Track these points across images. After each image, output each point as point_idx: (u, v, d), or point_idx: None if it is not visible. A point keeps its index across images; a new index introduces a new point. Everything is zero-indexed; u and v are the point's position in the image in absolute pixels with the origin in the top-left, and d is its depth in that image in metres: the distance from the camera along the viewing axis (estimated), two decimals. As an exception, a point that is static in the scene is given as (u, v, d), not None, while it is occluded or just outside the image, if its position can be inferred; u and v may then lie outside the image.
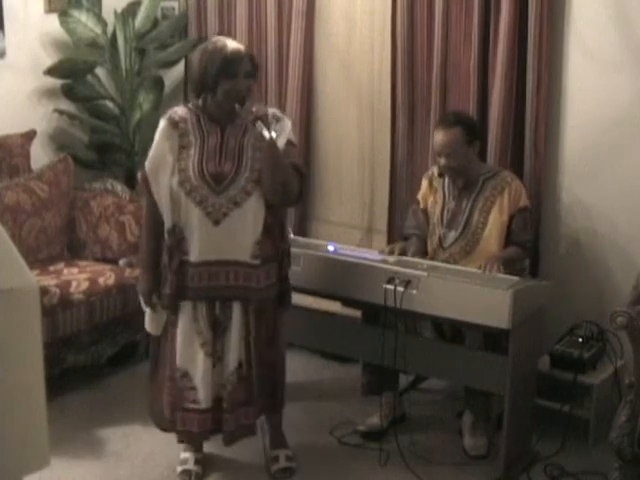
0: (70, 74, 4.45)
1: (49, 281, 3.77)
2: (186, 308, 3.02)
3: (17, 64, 4.34)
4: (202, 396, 3.03)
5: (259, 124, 2.88)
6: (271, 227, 3.01)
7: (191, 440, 3.21)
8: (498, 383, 3.13)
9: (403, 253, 3.44)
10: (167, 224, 2.98)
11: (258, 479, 3.25)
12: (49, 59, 4.42)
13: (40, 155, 4.39)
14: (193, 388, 3.04)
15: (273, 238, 3.03)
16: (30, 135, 4.27)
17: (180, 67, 4.74)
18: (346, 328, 3.48)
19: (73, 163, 4.30)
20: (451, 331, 3.39)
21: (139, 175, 3.09)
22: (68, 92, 4.49)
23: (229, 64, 2.90)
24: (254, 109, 2.93)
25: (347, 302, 3.43)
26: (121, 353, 4.05)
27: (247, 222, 2.95)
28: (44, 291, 3.59)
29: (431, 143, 3.90)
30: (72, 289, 3.76)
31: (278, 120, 3.03)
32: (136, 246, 4.05)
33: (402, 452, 3.26)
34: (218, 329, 3.02)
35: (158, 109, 4.59)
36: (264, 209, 2.97)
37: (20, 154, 4.18)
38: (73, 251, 4.21)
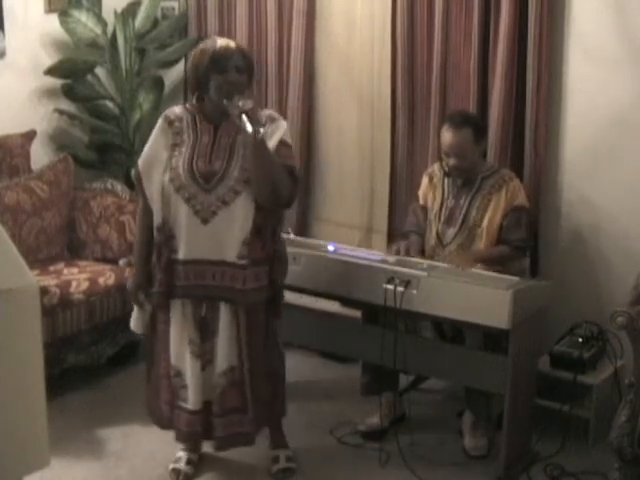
0: (70, 74, 4.45)
1: (49, 281, 3.76)
2: (177, 306, 3.02)
3: (17, 64, 4.34)
4: (191, 397, 3.03)
5: (243, 118, 2.83)
6: (261, 228, 2.96)
7: (183, 439, 3.19)
8: (498, 383, 3.13)
9: (408, 252, 3.44)
10: (157, 220, 2.99)
11: (258, 479, 3.25)
12: (49, 59, 4.42)
13: (40, 155, 4.39)
14: (184, 387, 3.04)
15: (264, 240, 2.98)
16: (30, 135, 4.27)
17: (180, 67, 4.73)
18: (346, 328, 3.48)
19: (73, 163, 4.29)
20: (451, 331, 3.39)
21: (133, 173, 3.12)
22: (68, 92, 4.49)
23: (218, 59, 2.92)
24: (240, 103, 2.84)
25: (347, 302, 3.43)
26: (121, 353, 4.05)
27: (235, 221, 2.92)
28: (44, 291, 3.58)
29: (431, 143, 3.91)
30: (72, 289, 3.76)
31: (273, 120, 3.02)
32: (136, 246, 4.07)
33: (402, 452, 3.26)
34: (206, 331, 3.00)
35: (158, 109, 4.59)
36: (254, 209, 2.93)
37: (20, 154, 4.18)
38: (73, 251, 4.21)
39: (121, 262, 4.08)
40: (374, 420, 3.50)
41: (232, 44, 3.00)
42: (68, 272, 3.95)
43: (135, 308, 3.15)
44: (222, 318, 2.98)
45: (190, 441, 3.23)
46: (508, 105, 3.68)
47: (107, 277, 3.92)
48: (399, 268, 3.22)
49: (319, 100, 4.37)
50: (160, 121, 3.05)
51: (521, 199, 3.47)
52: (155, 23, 4.61)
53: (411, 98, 3.99)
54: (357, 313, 3.54)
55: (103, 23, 4.43)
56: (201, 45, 3.04)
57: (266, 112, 3.09)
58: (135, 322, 3.17)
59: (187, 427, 3.07)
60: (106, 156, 4.63)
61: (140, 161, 3.05)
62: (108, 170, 4.61)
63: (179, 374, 3.05)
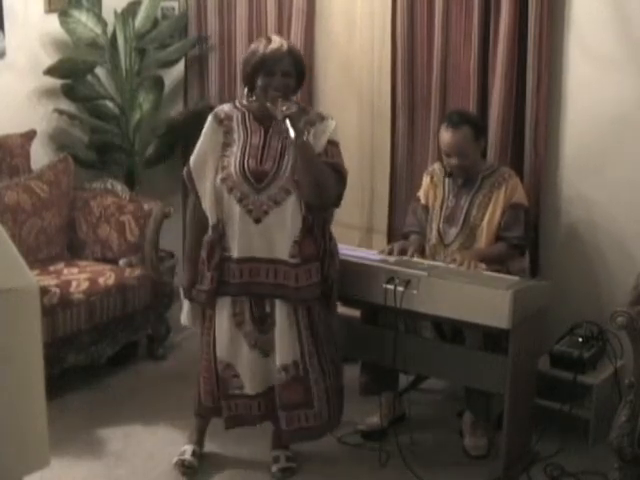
0: (70, 74, 4.45)
1: (49, 281, 3.77)
2: (224, 303, 3.05)
3: (17, 64, 4.34)
4: (247, 383, 3.09)
5: (287, 123, 2.88)
6: (311, 227, 3.01)
7: (240, 424, 3.21)
8: (498, 383, 3.12)
9: (403, 252, 3.44)
10: (212, 220, 3.03)
11: (258, 478, 3.25)
12: (49, 59, 4.41)
13: (40, 155, 4.39)
14: (236, 376, 3.09)
15: (314, 238, 3.03)
16: (30, 135, 4.26)
17: (180, 67, 4.74)
18: (346, 328, 3.48)
19: (73, 163, 4.29)
20: (451, 331, 3.39)
21: (184, 171, 3.11)
22: (68, 92, 4.48)
23: (266, 62, 2.96)
24: (284, 107, 2.88)
25: (347, 302, 3.43)
26: (121, 353, 4.05)
27: (286, 221, 2.98)
28: (44, 291, 3.58)
29: (431, 143, 3.91)
30: (72, 289, 3.76)
31: (322, 119, 3.07)
32: (136, 246, 4.07)
33: (402, 452, 3.26)
34: (264, 324, 3.05)
35: (158, 109, 4.60)
36: (304, 209, 2.98)
37: (20, 154, 4.18)
38: (73, 251, 4.21)
39: (121, 262, 4.08)
40: (374, 420, 3.50)
41: (285, 46, 3.01)
42: (68, 272, 3.95)
43: (186, 303, 3.20)
44: (279, 314, 3.03)
45: (245, 424, 3.21)
46: (508, 105, 3.68)
47: (107, 277, 3.91)
48: (399, 268, 3.22)
49: (319, 99, 4.37)
50: (210, 119, 3.07)
51: (519, 196, 3.47)
52: (155, 23, 4.61)
53: (411, 98, 3.99)
54: (357, 313, 3.55)
55: (103, 23, 4.43)
56: (255, 43, 3.08)
57: (315, 111, 3.16)
58: (187, 316, 3.22)
59: (245, 411, 3.13)
60: (106, 156, 4.63)
61: (192, 160, 3.08)
62: (108, 170, 4.60)
63: (229, 366, 3.09)
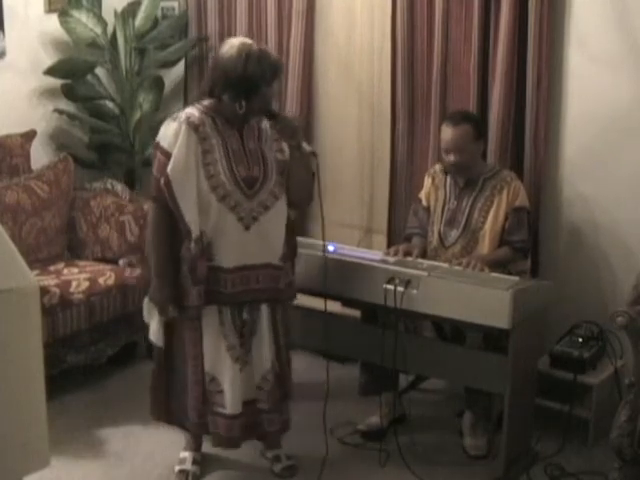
0: (70, 74, 4.45)
1: (49, 281, 3.77)
2: (211, 312, 2.99)
3: (17, 64, 4.34)
4: (229, 401, 3.02)
5: (298, 136, 2.97)
6: (289, 227, 3.07)
7: (224, 444, 3.15)
8: (498, 383, 3.13)
9: (408, 254, 3.43)
10: (195, 232, 2.89)
11: (257, 479, 3.25)
12: (49, 59, 4.42)
13: (40, 155, 4.39)
14: (221, 392, 3.03)
15: (290, 237, 3.09)
16: (30, 135, 4.26)
17: (180, 67, 4.73)
18: (346, 328, 3.48)
19: (73, 163, 4.29)
20: (451, 331, 3.39)
21: (162, 183, 2.88)
22: (68, 92, 4.49)
23: (277, 71, 2.94)
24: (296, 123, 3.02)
25: (347, 302, 3.43)
26: (121, 353, 4.05)
27: (275, 225, 3.00)
28: (44, 291, 3.59)
29: (431, 143, 3.91)
30: (72, 289, 3.76)
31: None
32: (136, 246, 4.05)
33: (402, 452, 3.26)
34: (245, 333, 3.02)
35: (158, 109, 4.59)
36: (287, 211, 3.04)
37: (20, 154, 4.18)
38: (73, 251, 4.21)
39: (121, 262, 4.08)
40: (374, 420, 3.50)
41: (269, 50, 3.03)
42: (68, 272, 3.95)
43: (156, 320, 3.05)
44: (262, 318, 3.03)
45: (230, 446, 3.16)
46: (508, 105, 3.68)
47: (107, 277, 3.91)
48: (399, 268, 3.22)
49: (319, 99, 4.37)
50: (184, 127, 2.87)
51: (522, 200, 3.47)
52: (155, 23, 4.61)
53: (411, 98, 3.99)
54: (357, 313, 3.55)
55: (103, 23, 4.43)
56: (253, 49, 2.89)
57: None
58: (159, 335, 3.07)
59: (227, 433, 3.06)
60: (106, 156, 4.63)
61: (170, 170, 2.86)
62: (108, 170, 4.61)
63: (214, 379, 3.04)
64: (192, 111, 2.95)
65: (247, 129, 2.99)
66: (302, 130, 3.08)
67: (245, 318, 3.00)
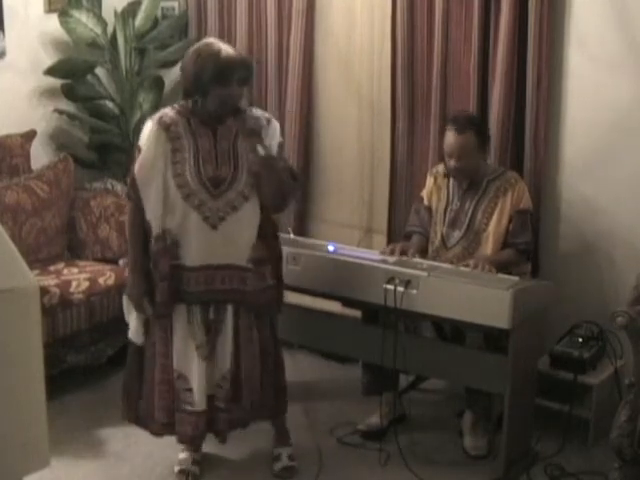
0: (70, 74, 4.45)
1: (49, 281, 3.77)
2: (181, 311, 3.01)
3: (17, 64, 4.34)
4: (197, 398, 3.03)
5: (254, 139, 2.90)
6: (265, 230, 3.03)
7: (188, 441, 3.19)
8: (498, 383, 3.13)
9: (404, 253, 3.44)
10: (155, 230, 2.94)
11: (258, 479, 3.25)
12: (49, 59, 4.42)
13: (40, 155, 4.39)
14: (189, 389, 3.03)
15: (267, 240, 3.05)
16: (30, 135, 4.27)
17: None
18: (346, 328, 3.48)
19: (73, 163, 4.30)
20: (451, 331, 3.39)
21: (128, 179, 3.02)
22: (68, 92, 4.48)
23: (222, 72, 2.87)
24: (259, 129, 2.93)
25: (347, 302, 3.43)
26: (121, 353, 4.03)
27: (244, 226, 2.97)
28: (44, 291, 3.59)
29: (431, 143, 3.91)
30: (72, 289, 3.76)
31: (269, 122, 3.03)
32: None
33: (402, 452, 3.26)
34: (212, 332, 3.02)
35: (158, 109, 4.58)
36: (259, 213, 2.99)
37: (20, 154, 4.18)
38: (73, 251, 4.21)
39: (121, 262, 4.08)
40: (374, 420, 3.50)
41: (233, 52, 2.95)
42: (68, 272, 3.95)
43: (135, 318, 3.08)
44: (227, 319, 3.01)
45: (195, 443, 3.22)
46: (508, 105, 3.68)
47: (107, 277, 3.91)
48: (399, 268, 3.22)
49: (319, 99, 4.37)
50: (154, 126, 2.95)
51: (526, 202, 3.47)
52: (155, 23, 4.61)
53: (411, 98, 3.99)
54: (357, 313, 3.55)
55: (103, 23, 4.43)
56: (204, 50, 2.92)
57: (259, 112, 3.09)
58: (138, 332, 3.09)
59: (193, 430, 3.06)
60: (106, 156, 4.63)
61: (136, 168, 2.95)
62: (108, 170, 4.61)
63: (181, 377, 3.04)
64: (167, 111, 3.02)
65: (222, 129, 2.98)
66: (264, 132, 2.95)
67: (211, 318, 3.00)
